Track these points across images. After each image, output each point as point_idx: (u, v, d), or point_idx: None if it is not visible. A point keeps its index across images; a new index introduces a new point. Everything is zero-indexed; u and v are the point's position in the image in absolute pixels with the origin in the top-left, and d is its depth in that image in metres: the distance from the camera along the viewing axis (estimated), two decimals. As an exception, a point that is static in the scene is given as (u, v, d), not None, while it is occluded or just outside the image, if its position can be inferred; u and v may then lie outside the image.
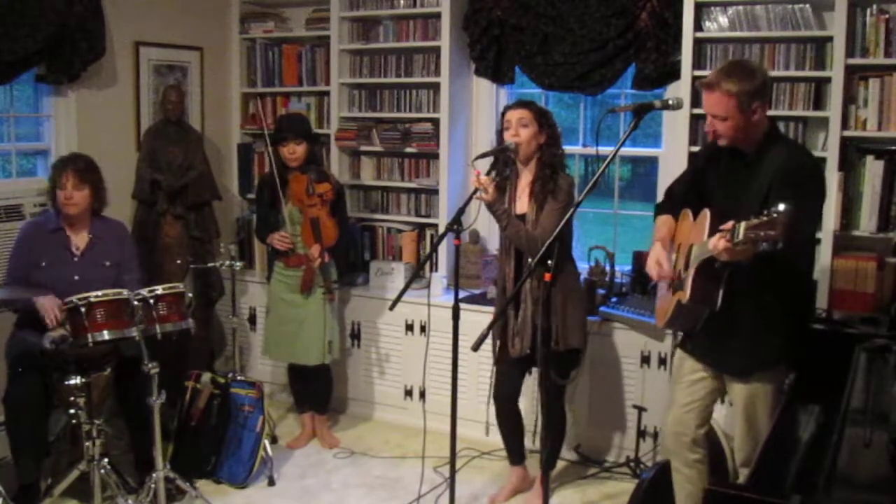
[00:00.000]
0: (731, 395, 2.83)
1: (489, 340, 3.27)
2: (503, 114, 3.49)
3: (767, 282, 2.56)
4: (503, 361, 3.58)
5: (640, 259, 4.16)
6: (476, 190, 3.22)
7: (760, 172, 2.63)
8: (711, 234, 2.44)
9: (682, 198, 2.90)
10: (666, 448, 2.98)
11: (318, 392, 4.28)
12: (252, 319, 4.92)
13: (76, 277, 3.52)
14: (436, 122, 4.55)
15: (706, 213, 2.58)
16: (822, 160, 3.58)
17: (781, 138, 2.78)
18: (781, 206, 2.12)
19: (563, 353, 3.42)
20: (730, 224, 2.31)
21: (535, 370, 3.60)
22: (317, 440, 4.30)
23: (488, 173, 3.39)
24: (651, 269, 2.84)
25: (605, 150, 2.62)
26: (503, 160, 3.48)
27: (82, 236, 3.61)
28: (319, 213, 3.97)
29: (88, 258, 3.59)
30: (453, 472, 3.18)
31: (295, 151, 3.97)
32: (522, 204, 3.46)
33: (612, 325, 3.97)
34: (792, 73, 3.77)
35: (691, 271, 2.57)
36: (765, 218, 2.15)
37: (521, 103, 3.48)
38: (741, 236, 2.22)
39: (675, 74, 3.99)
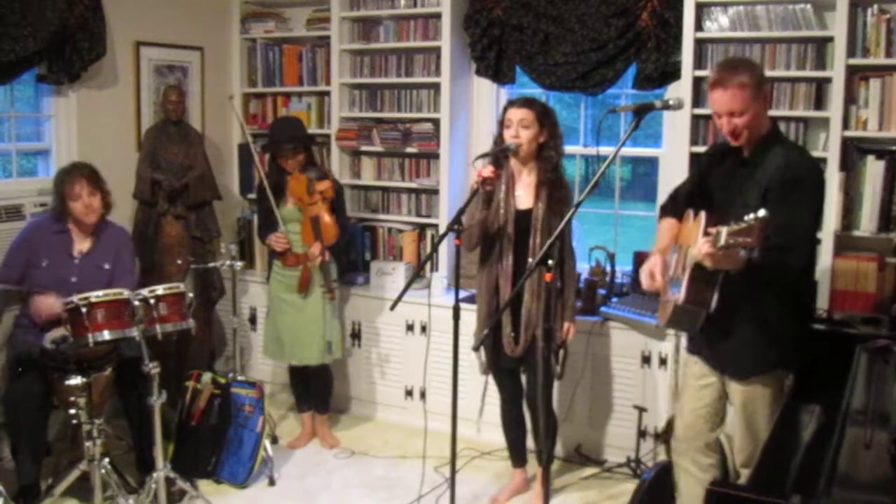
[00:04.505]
0: (730, 395, 2.83)
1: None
2: (505, 108, 3.42)
3: (766, 284, 2.55)
4: (498, 366, 3.59)
5: (640, 259, 4.16)
6: (481, 184, 3.20)
7: (759, 173, 2.63)
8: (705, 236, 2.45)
9: (686, 200, 2.89)
10: (678, 452, 2.97)
11: (319, 392, 4.27)
12: (252, 319, 4.92)
13: (73, 279, 3.53)
14: (436, 122, 4.55)
15: (702, 215, 2.58)
16: (823, 160, 3.58)
17: (782, 140, 2.78)
18: (761, 213, 2.14)
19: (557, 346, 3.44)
20: (714, 229, 2.32)
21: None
22: (317, 440, 4.30)
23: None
24: (643, 279, 2.81)
25: (606, 149, 2.62)
26: (500, 157, 3.43)
27: (85, 240, 3.61)
28: (320, 212, 3.96)
29: (88, 261, 3.60)
30: (454, 472, 3.18)
31: (294, 162, 3.96)
32: (526, 200, 3.43)
33: (612, 325, 3.97)
34: (792, 73, 3.77)
35: (687, 273, 2.57)
36: (743, 224, 2.16)
37: (525, 102, 3.39)
38: (723, 241, 2.23)
39: (675, 74, 3.99)
